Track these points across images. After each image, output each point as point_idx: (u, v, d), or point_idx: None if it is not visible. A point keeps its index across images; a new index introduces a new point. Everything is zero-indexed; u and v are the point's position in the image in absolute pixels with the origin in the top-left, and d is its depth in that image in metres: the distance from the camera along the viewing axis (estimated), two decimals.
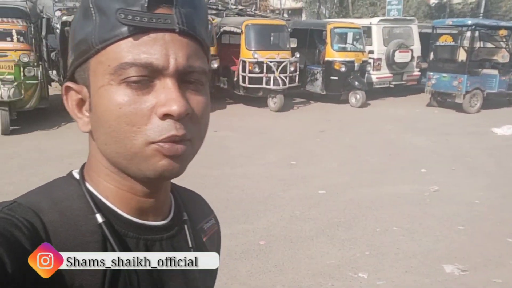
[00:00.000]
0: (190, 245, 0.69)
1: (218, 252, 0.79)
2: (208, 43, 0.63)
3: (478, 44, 11.57)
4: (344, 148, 7.21)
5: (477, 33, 11.19)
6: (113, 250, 0.59)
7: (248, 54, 9.69)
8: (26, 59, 7.46)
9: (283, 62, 9.72)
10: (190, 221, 0.72)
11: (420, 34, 12.62)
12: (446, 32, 11.14)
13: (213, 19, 10.57)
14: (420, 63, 12.50)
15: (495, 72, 10.54)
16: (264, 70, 9.60)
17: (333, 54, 10.61)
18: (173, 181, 0.68)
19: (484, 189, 5.40)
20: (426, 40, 11.68)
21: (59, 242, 0.56)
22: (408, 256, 3.77)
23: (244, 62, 9.78)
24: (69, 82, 0.62)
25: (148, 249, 0.63)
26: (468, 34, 10.69)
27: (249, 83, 9.77)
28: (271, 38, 10.53)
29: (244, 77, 9.83)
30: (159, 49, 0.55)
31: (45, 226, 0.56)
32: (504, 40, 11.11)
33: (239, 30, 10.02)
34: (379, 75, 11.88)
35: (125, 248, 0.61)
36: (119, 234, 0.61)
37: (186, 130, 0.56)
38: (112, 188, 0.63)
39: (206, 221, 0.78)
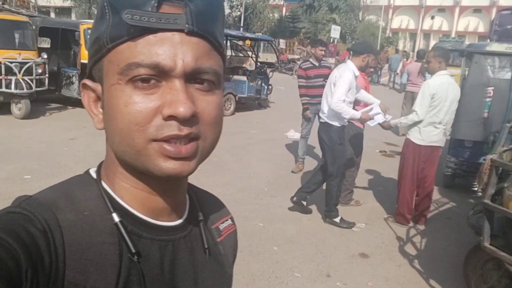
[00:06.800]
0: (206, 246, 0.69)
1: (235, 253, 0.80)
2: (223, 42, 0.61)
3: (229, 53, 12.70)
4: (96, 155, 6.78)
5: (228, 43, 12.25)
6: (128, 251, 0.58)
7: None
8: None
9: (27, 63, 8.63)
10: (205, 221, 0.72)
11: None
12: None
13: None
14: None
15: (244, 78, 11.71)
16: (3, 72, 8.33)
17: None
18: None
19: (223, 186, 5.81)
20: None
21: (73, 241, 0.54)
22: None
23: None
24: (86, 80, 0.62)
25: (161, 249, 0.62)
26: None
27: None
28: (12, 36, 9.22)
29: None
30: (167, 50, 0.54)
31: (60, 224, 0.55)
32: (251, 49, 12.50)
33: None
34: None
35: (139, 248, 0.59)
36: (134, 235, 0.60)
37: (192, 130, 0.56)
38: (127, 187, 0.62)
39: (223, 221, 0.78)
